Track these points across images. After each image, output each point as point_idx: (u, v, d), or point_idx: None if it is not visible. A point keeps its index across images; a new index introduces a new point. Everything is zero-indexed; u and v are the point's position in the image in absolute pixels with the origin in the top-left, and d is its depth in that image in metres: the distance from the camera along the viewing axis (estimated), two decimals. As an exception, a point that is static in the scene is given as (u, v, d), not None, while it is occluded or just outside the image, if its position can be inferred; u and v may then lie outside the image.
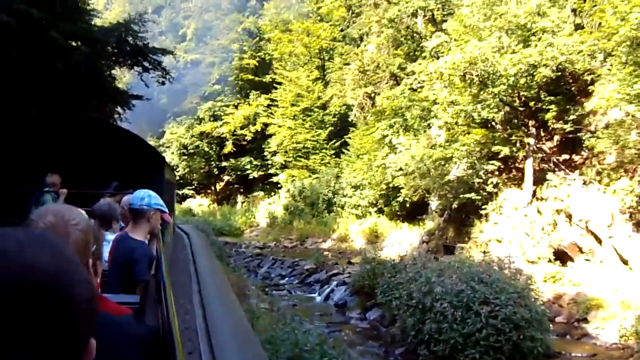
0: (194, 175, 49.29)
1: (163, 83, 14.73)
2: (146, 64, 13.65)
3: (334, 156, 39.20)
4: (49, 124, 9.76)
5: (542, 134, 19.95)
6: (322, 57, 43.65)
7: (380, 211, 31.05)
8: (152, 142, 40.61)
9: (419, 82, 25.62)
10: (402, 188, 25.14)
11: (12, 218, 5.02)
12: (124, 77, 34.30)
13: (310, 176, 38.07)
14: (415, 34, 29.53)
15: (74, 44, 12.44)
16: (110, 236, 4.33)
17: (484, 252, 18.44)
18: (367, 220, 31.20)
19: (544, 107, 18.83)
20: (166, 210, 4.17)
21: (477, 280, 11.26)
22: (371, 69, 29.94)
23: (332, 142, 39.89)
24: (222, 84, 47.48)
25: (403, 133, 27.00)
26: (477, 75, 17.76)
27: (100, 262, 2.68)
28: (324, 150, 39.93)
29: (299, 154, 40.05)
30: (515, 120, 20.20)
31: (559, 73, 17.55)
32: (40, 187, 7.59)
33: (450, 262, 13.03)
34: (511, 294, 10.79)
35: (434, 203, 23.56)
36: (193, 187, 50.02)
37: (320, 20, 43.68)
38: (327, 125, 40.75)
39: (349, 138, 35.61)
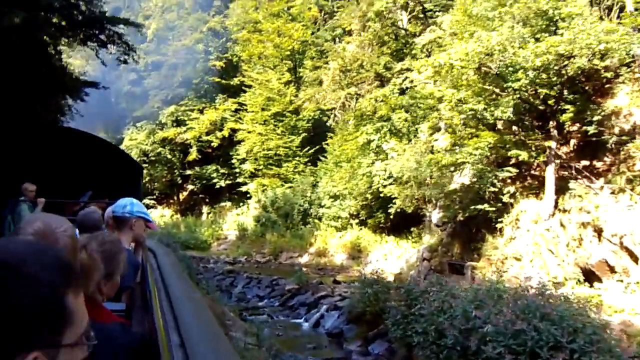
0: (156, 184, 46.07)
1: (125, 61, 11.74)
2: (103, 37, 10.61)
3: (309, 164, 36.53)
4: (25, 134, 9.39)
5: (557, 137, 17.69)
6: (293, 58, 40.88)
7: (362, 223, 28.56)
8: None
9: (410, 81, 23.31)
10: (394, 198, 22.60)
11: None
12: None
13: (282, 185, 35.42)
14: (402, 30, 27.17)
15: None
16: None
17: (499, 271, 16.02)
18: (348, 233, 28.68)
19: (563, 107, 16.64)
20: (150, 219, 4.13)
21: (538, 317, 8.66)
22: (354, 68, 27.35)
23: (306, 149, 37.25)
24: (186, 87, 44.26)
25: (390, 138, 24.60)
26: (496, 67, 15.34)
27: (111, 281, 2.66)
28: (297, 158, 37.29)
29: (270, 161, 37.35)
30: (527, 122, 17.92)
31: (592, 65, 15.22)
32: (16, 196, 7.48)
33: (488, 290, 10.38)
34: (590, 335, 8.21)
35: (434, 215, 21.01)
36: (154, 197, 46.63)
37: (292, 20, 41.02)
38: (301, 131, 38.12)
39: (327, 144, 33.04)
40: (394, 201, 23.03)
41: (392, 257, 24.85)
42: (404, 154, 21.33)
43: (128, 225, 3.90)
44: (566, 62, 15.36)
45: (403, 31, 27.28)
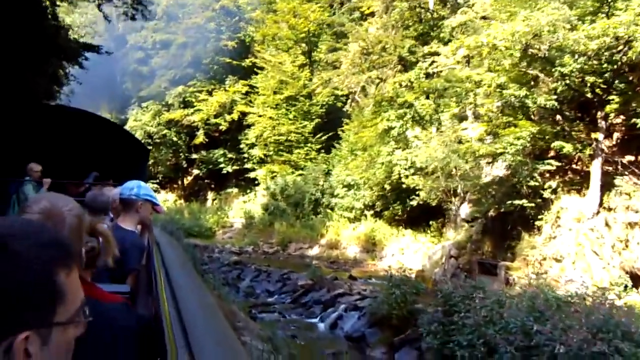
0: (160, 167, 44.64)
1: (133, 17, 10.26)
2: (108, -12, 9.14)
3: (321, 151, 35.04)
4: (31, 114, 9.06)
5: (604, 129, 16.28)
6: (308, 41, 39.19)
7: (377, 215, 27.13)
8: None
9: (437, 66, 21.86)
10: (415, 189, 21.21)
11: None
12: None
13: (293, 172, 33.92)
14: (428, 13, 25.67)
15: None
16: None
17: (537, 274, 14.65)
18: (362, 224, 27.28)
19: (609, 97, 15.21)
20: (158, 201, 4.13)
21: (619, 336, 7.27)
22: (376, 51, 25.82)
23: (319, 135, 35.73)
24: (195, 67, 42.66)
25: (412, 125, 23.17)
26: (545, 49, 13.87)
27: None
28: (309, 144, 35.72)
29: (281, 147, 35.78)
30: (567, 112, 16.50)
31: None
32: (21, 176, 7.48)
33: (547, 300, 8.97)
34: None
35: (463, 209, 19.58)
36: (157, 181, 44.99)
37: (309, 1, 39.31)
38: (314, 117, 36.45)
39: (342, 131, 31.58)
40: (416, 192, 21.63)
41: (409, 252, 23.56)
42: (429, 143, 19.94)
43: (134, 208, 3.87)
44: (621, 47, 13.95)
45: (429, 14, 25.75)
